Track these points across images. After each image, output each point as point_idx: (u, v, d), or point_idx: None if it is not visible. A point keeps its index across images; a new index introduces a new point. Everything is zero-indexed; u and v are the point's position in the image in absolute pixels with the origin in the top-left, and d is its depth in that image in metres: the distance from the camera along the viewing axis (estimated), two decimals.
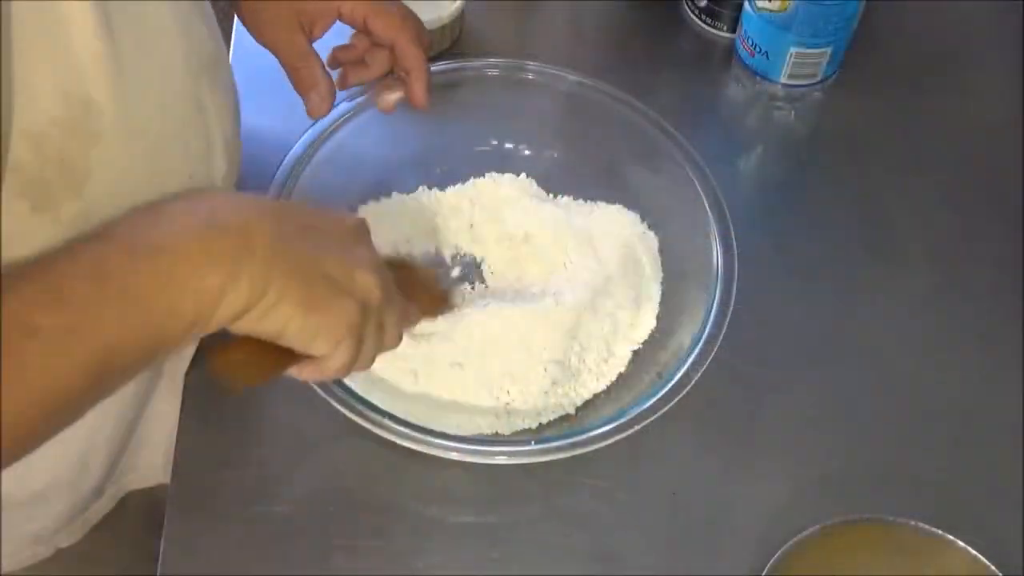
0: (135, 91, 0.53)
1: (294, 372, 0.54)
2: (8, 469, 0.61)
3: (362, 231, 0.56)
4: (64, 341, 0.44)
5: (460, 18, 0.87)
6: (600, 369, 0.70)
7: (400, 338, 0.57)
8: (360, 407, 0.62)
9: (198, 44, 0.59)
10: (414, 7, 0.71)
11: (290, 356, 0.52)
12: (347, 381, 0.63)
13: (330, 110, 0.72)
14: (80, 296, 0.44)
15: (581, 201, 0.78)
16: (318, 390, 0.62)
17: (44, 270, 0.45)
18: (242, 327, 0.49)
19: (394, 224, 0.76)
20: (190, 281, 0.46)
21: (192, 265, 0.47)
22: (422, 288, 0.65)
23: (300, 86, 0.71)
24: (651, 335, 0.72)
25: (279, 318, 0.49)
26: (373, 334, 0.54)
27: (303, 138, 0.72)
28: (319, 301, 0.50)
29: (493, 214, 0.77)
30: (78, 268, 0.45)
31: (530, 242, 0.75)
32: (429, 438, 0.61)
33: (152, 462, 0.74)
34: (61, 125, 0.50)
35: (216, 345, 0.51)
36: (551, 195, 0.79)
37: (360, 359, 0.54)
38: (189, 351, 0.69)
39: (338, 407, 0.62)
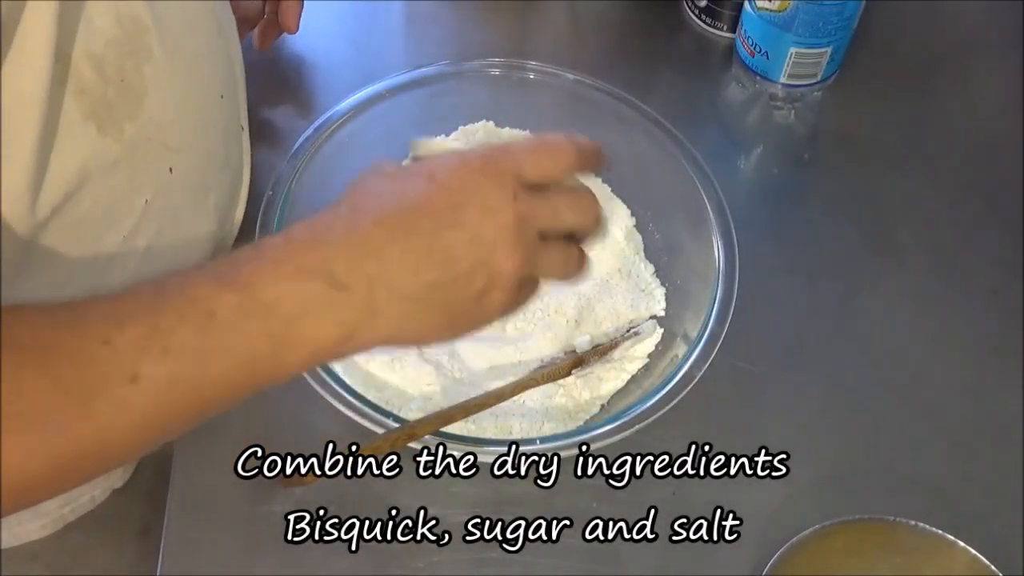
0: (167, 10, 0.56)
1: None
2: None
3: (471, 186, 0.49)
4: (166, 391, 0.42)
5: None
6: (615, 371, 0.70)
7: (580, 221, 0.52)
8: (362, 407, 0.62)
9: None
10: None
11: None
12: (348, 381, 0.63)
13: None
14: (187, 347, 0.42)
15: None
16: (319, 390, 0.62)
17: (149, 310, 0.43)
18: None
19: None
20: (305, 344, 0.45)
21: (312, 328, 0.45)
22: None
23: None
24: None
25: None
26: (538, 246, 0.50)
27: (304, 134, 0.71)
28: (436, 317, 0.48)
29: None
30: (186, 313, 0.43)
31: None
32: (429, 437, 0.61)
33: None
34: (118, 45, 0.52)
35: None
36: None
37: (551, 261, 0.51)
38: None
39: (339, 407, 0.62)
